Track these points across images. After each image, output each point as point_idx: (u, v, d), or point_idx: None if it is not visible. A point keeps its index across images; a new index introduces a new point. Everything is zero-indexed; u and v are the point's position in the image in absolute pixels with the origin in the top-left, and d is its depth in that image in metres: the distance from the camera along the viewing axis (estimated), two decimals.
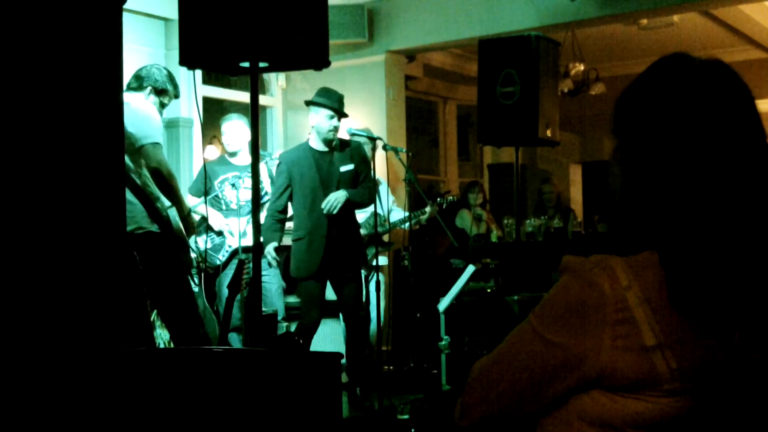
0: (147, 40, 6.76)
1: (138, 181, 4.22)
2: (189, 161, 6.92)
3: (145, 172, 4.29)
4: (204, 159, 5.45)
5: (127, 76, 4.48)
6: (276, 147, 7.68)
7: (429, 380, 5.80)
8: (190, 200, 5.90)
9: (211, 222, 5.71)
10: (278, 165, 5.38)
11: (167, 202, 4.37)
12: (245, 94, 7.38)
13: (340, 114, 5.32)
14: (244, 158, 5.82)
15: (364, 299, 6.08)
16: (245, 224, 5.58)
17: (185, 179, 6.67)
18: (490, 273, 6.10)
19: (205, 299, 5.55)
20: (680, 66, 1.24)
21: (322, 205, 5.22)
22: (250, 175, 5.23)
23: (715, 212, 1.16)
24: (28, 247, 2.17)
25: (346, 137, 5.93)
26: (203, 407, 1.83)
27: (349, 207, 5.30)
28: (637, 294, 1.15)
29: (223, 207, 5.80)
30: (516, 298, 4.98)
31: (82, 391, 1.97)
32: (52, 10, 2.22)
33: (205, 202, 5.47)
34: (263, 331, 5.06)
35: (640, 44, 8.75)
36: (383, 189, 5.97)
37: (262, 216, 5.73)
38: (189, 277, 4.70)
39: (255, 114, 3.12)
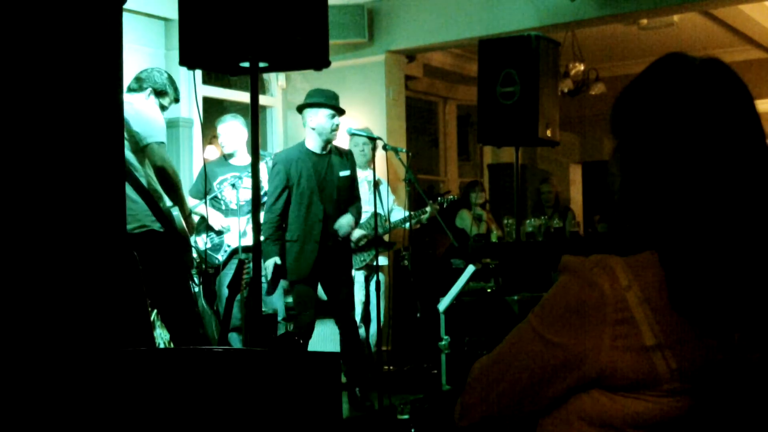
0: (147, 40, 6.76)
1: (142, 180, 4.23)
2: (189, 161, 6.92)
3: (150, 171, 4.30)
4: (204, 159, 5.46)
5: (128, 77, 4.48)
6: (276, 147, 7.68)
7: (429, 380, 5.80)
8: (190, 201, 5.90)
9: (211, 222, 5.71)
10: (274, 166, 5.28)
11: (169, 202, 4.38)
12: (245, 94, 7.38)
13: (340, 111, 5.32)
14: (243, 158, 5.82)
15: (364, 299, 6.09)
16: (245, 224, 5.58)
17: (185, 179, 6.66)
18: (490, 273, 6.09)
19: (203, 299, 5.55)
20: (679, 66, 1.24)
21: (335, 227, 5.22)
22: (249, 175, 5.26)
23: (715, 212, 1.16)
24: (28, 247, 2.17)
25: (346, 138, 5.94)
26: (203, 407, 1.83)
27: (336, 216, 5.31)
28: (636, 294, 1.15)
29: (223, 207, 5.80)
30: (516, 298, 4.98)
31: (82, 391, 1.97)
32: (52, 10, 2.22)
33: (205, 203, 5.47)
34: (263, 331, 5.05)
35: (640, 44, 8.75)
36: (383, 189, 5.97)
37: (262, 215, 5.73)
38: (190, 277, 4.70)
39: (255, 114, 3.12)
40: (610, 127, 1.28)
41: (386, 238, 6.38)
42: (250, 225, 5.34)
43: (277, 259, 5.13)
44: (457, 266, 6.14)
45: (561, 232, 6.43)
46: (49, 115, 2.22)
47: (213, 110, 7.24)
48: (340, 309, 5.35)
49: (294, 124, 7.80)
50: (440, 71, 9.41)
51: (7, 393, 2.07)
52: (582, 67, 8.66)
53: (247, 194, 5.44)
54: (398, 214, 6.34)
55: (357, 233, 5.96)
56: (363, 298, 6.10)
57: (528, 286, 5.28)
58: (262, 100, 7.68)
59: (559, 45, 5.40)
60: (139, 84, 4.50)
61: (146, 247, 4.15)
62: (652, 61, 1.28)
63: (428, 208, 6.12)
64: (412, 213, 5.98)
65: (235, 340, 5.48)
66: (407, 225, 6.08)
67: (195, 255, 5.54)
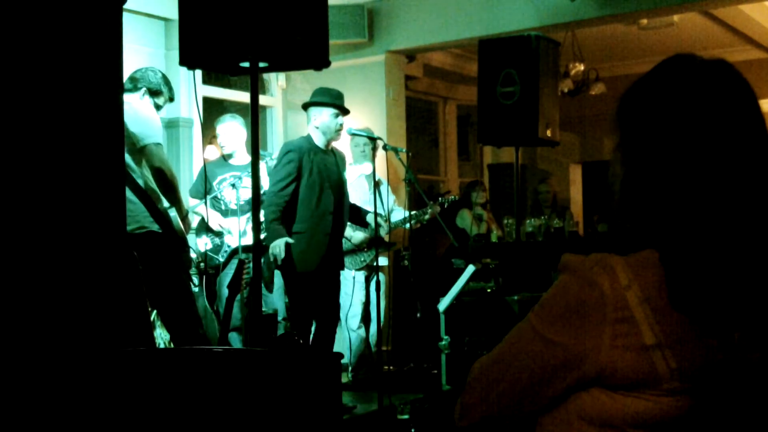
0: (147, 40, 6.76)
1: (140, 181, 4.23)
2: (189, 161, 6.92)
3: (146, 172, 4.29)
4: (204, 159, 5.45)
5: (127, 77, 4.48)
6: (276, 147, 7.67)
7: (429, 380, 5.80)
8: (190, 201, 5.90)
9: (210, 223, 5.71)
10: (287, 153, 5.14)
11: (166, 203, 4.38)
12: (245, 94, 7.37)
13: (344, 111, 5.31)
14: (242, 158, 5.82)
15: (364, 299, 6.09)
16: (245, 223, 5.57)
17: (185, 179, 6.67)
18: (490, 273, 6.09)
19: (206, 299, 5.55)
20: (685, 66, 1.24)
21: (347, 235, 5.17)
22: (249, 174, 5.26)
23: (717, 211, 1.16)
24: (29, 247, 2.17)
25: (346, 137, 5.93)
26: (203, 407, 1.83)
27: (343, 211, 5.30)
28: (636, 293, 1.15)
29: (222, 207, 5.80)
30: (516, 298, 4.98)
31: (82, 391, 1.97)
32: (53, 10, 2.22)
33: (205, 203, 5.47)
34: (263, 331, 5.05)
35: (640, 44, 8.75)
36: (384, 189, 5.97)
37: (262, 215, 5.73)
38: (188, 277, 4.70)
39: (255, 114, 3.12)
40: (614, 125, 1.28)
41: (386, 238, 6.38)
42: (250, 224, 5.34)
43: (288, 239, 5.00)
44: (459, 266, 6.13)
45: (561, 232, 6.43)
46: (50, 116, 2.22)
47: (213, 110, 7.24)
48: (326, 304, 5.28)
49: (294, 124, 7.80)
50: (440, 71, 9.41)
51: (7, 393, 2.07)
52: (582, 67, 8.65)
53: (247, 194, 5.44)
54: (398, 214, 6.34)
55: (359, 236, 5.96)
56: (363, 298, 6.10)
57: (528, 286, 5.28)
58: (262, 100, 7.67)
59: (559, 45, 5.40)
60: (133, 84, 4.48)
61: (144, 248, 4.15)
62: (652, 61, 1.28)
63: (428, 209, 6.12)
64: (412, 213, 5.98)
65: (235, 340, 5.48)
66: (407, 225, 6.08)
67: (194, 255, 5.54)
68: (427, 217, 6.18)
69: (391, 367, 6.45)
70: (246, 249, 5.35)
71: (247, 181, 5.43)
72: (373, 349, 6.03)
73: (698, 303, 1.14)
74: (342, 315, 5.72)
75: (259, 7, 2.83)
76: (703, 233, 1.16)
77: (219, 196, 5.76)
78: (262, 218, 5.53)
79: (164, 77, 4.60)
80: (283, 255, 4.96)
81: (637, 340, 1.15)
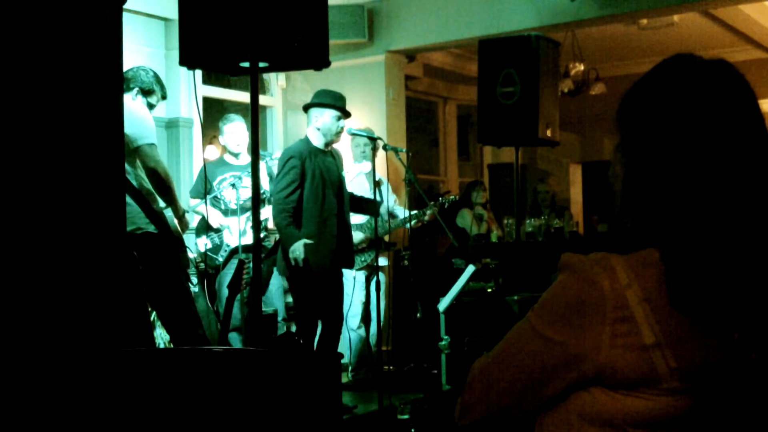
0: (147, 40, 6.76)
1: (134, 182, 4.22)
2: (189, 161, 6.92)
3: (141, 173, 4.29)
4: (204, 159, 5.45)
5: None
6: (276, 147, 7.68)
7: (429, 380, 5.80)
8: (191, 202, 5.90)
9: (210, 221, 5.71)
10: (288, 159, 5.13)
11: (162, 203, 4.37)
12: (245, 94, 7.37)
13: (346, 114, 5.31)
14: (244, 158, 5.83)
15: (364, 299, 6.09)
16: (245, 223, 5.57)
17: (185, 179, 6.67)
18: (490, 273, 6.09)
19: (207, 299, 5.55)
20: (684, 66, 1.24)
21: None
22: (249, 174, 5.26)
23: (717, 211, 1.16)
24: (29, 248, 2.17)
25: (346, 137, 5.93)
26: (203, 407, 1.83)
27: (345, 211, 5.30)
28: (636, 293, 1.15)
29: (222, 207, 5.80)
30: (516, 298, 4.98)
31: (82, 391, 1.97)
32: (53, 10, 2.22)
33: (205, 203, 5.47)
34: (263, 331, 5.05)
35: (640, 44, 8.75)
36: (385, 189, 5.97)
37: (263, 214, 5.73)
38: (187, 277, 4.70)
39: (255, 114, 3.12)
40: (614, 124, 1.28)
41: (386, 238, 6.38)
42: (250, 224, 5.34)
43: (305, 240, 4.99)
44: (459, 266, 6.14)
45: (561, 232, 6.43)
46: (50, 115, 2.22)
47: (213, 110, 7.24)
48: (330, 305, 5.29)
49: (294, 124, 7.80)
50: (440, 71, 9.41)
51: (7, 393, 2.07)
52: (582, 67, 8.66)
53: (247, 193, 5.44)
54: (399, 214, 6.34)
55: (358, 236, 5.96)
56: (363, 298, 6.10)
57: (528, 286, 5.28)
58: (262, 100, 7.67)
59: (559, 45, 5.40)
60: (125, 84, 4.46)
61: (141, 249, 4.15)
62: (652, 61, 1.29)
63: (428, 209, 6.13)
64: (412, 213, 5.98)
65: (235, 340, 5.48)
66: (408, 225, 6.08)
67: (193, 255, 5.54)
68: (426, 218, 6.19)
69: (391, 367, 6.45)
70: (246, 249, 5.35)
71: (247, 181, 5.43)
72: (373, 349, 6.03)
73: (698, 302, 1.14)
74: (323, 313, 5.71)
75: (259, 7, 2.83)
76: (703, 233, 1.16)
77: (219, 196, 5.76)
78: (271, 224, 5.54)
79: (156, 76, 4.59)
80: (303, 257, 4.97)
81: (636, 339, 1.15)
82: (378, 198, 5.33)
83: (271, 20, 2.85)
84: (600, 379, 1.17)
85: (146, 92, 4.51)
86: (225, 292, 4.84)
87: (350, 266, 5.48)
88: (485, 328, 5.50)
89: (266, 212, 5.98)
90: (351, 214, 5.57)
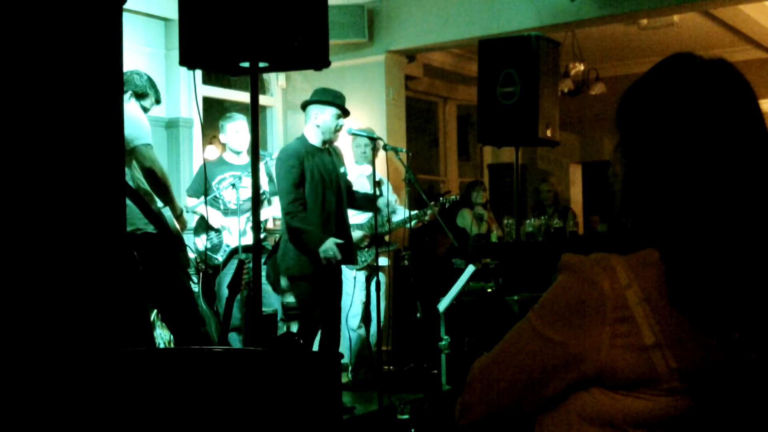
0: (147, 40, 6.76)
1: (131, 183, 4.23)
2: (189, 161, 6.92)
3: (138, 174, 4.30)
4: (204, 159, 5.45)
5: None
6: (276, 147, 7.68)
7: (429, 380, 5.80)
8: (189, 201, 5.90)
9: (211, 222, 5.71)
10: (287, 159, 5.13)
11: (160, 203, 4.38)
12: (245, 94, 7.38)
13: (346, 113, 5.31)
14: (244, 157, 5.83)
15: (364, 299, 6.09)
16: (245, 223, 5.57)
17: (185, 179, 6.67)
18: (490, 273, 6.09)
19: (203, 299, 5.55)
20: (684, 65, 1.24)
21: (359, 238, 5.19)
22: (248, 174, 5.26)
23: (717, 211, 1.16)
24: (29, 248, 2.17)
25: (347, 138, 5.93)
26: (203, 407, 1.83)
27: (344, 209, 5.31)
28: (636, 293, 1.15)
29: (221, 207, 5.80)
30: (516, 298, 4.98)
31: (82, 391, 1.97)
32: (53, 10, 2.22)
33: (205, 203, 5.47)
34: (263, 331, 5.04)
35: (640, 44, 8.75)
36: (386, 189, 5.97)
37: (263, 214, 5.73)
38: (188, 276, 4.70)
39: (255, 114, 3.12)
40: (614, 124, 1.28)
41: (387, 238, 6.38)
42: (250, 224, 5.34)
43: (335, 239, 5.00)
44: (459, 266, 6.14)
45: (561, 232, 6.43)
46: (50, 116, 2.22)
47: (213, 110, 7.24)
48: (329, 305, 5.28)
49: (294, 124, 7.80)
50: (440, 71, 9.41)
51: (7, 393, 2.07)
52: (582, 67, 8.66)
53: (247, 194, 5.43)
54: (400, 214, 6.34)
55: (357, 235, 5.96)
56: (363, 298, 6.10)
57: (528, 286, 5.28)
58: (262, 100, 7.68)
59: (559, 45, 5.40)
60: None
61: (141, 249, 4.15)
62: (652, 61, 1.28)
63: (429, 210, 6.12)
64: (413, 213, 5.98)
65: (235, 340, 5.48)
66: (408, 225, 6.08)
67: (193, 255, 5.54)
68: (427, 218, 6.18)
69: (391, 367, 6.45)
70: (246, 249, 5.35)
71: (247, 181, 5.43)
72: (373, 349, 6.03)
73: (698, 302, 1.14)
74: (342, 315, 5.72)
75: (259, 7, 2.83)
76: (703, 233, 1.16)
77: (218, 196, 5.76)
78: (271, 224, 5.54)
79: (150, 80, 4.60)
80: (339, 255, 4.98)
81: (636, 339, 1.15)
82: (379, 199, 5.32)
83: (271, 20, 2.85)
84: (600, 379, 1.17)
85: (140, 95, 4.52)
86: (225, 292, 4.84)
87: (352, 262, 5.48)
88: (485, 328, 5.50)
89: (266, 212, 5.98)
90: (351, 213, 5.57)
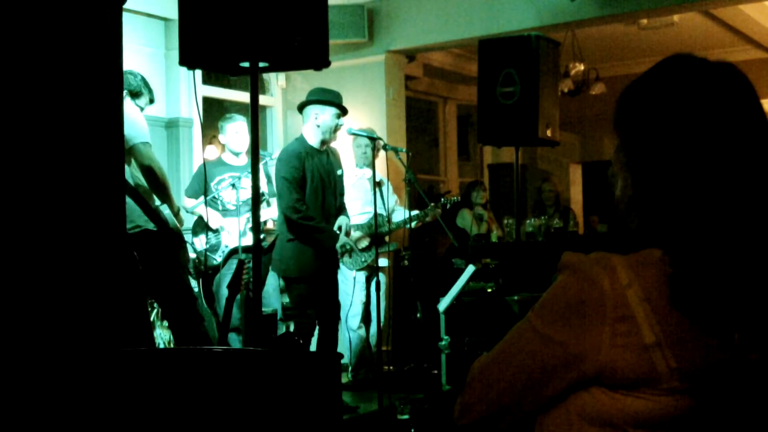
0: (147, 40, 6.76)
1: (130, 181, 4.24)
2: (189, 161, 6.92)
3: (136, 172, 4.31)
4: (204, 159, 5.45)
5: None
6: (276, 147, 7.68)
7: (429, 380, 5.80)
8: (188, 201, 5.90)
9: (210, 222, 5.70)
10: (287, 160, 5.14)
11: (158, 201, 4.40)
12: (245, 94, 7.38)
13: (345, 112, 5.32)
14: (243, 158, 5.82)
15: (364, 299, 6.09)
16: (245, 224, 5.57)
17: (185, 179, 6.67)
18: (490, 273, 6.09)
19: (203, 300, 5.55)
20: (684, 65, 1.24)
21: (339, 223, 5.23)
22: (248, 174, 5.26)
23: (720, 212, 1.16)
24: (29, 247, 2.17)
25: (347, 138, 5.93)
26: (203, 407, 1.83)
27: (342, 210, 5.33)
28: (637, 292, 1.15)
29: (220, 207, 5.80)
30: (516, 298, 4.98)
31: (82, 391, 1.97)
32: (53, 10, 2.22)
33: (205, 203, 5.47)
34: (263, 331, 5.04)
35: (640, 44, 8.75)
36: (386, 189, 5.97)
37: (263, 215, 5.72)
38: (188, 274, 4.71)
39: (255, 114, 3.12)
40: (613, 125, 1.28)
41: (387, 238, 6.38)
42: (250, 225, 5.34)
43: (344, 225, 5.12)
44: (459, 266, 6.14)
45: (561, 232, 6.43)
46: (50, 115, 2.22)
47: (213, 110, 7.24)
48: (328, 305, 5.29)
49: (294, 124, 7.80)
50: (440, 71, 9.41)
51: (7, 393, 2.07)
52: (582, 67, 8.66)
53: (246, 194, 5.43)
54: (400, 214, 6.34)
55: (356, 235, 5.96)
56: (363, 299, 6.10)
57: (528, 286, 5.28)
58: (262, 100, 7.67)
59: (559, 45, 5.40)
60: None
61: (141, 247, 4.17)
62: (652, 61, 1.28)
63: (430, 211, 6.12)
64: (413, 214, 5.98)
65: (235, 340, 5.48)
66: (408, 225, 6.08)
67: (193, 255, 5.54)
68: (428, 219, 6.18)
69: (391, 367, 6.44)
70: (245, 249, 5.35)
71: (246, 182, 5.43)
72: (373, 349, 6.03)
73: (699, 302, 1.14)
74: (342, 315, 5.72)
75: (259, 7, 2.83)
76: (704, 233, 1.16)
77: (217, 196, 5.75)
78: (270, 225, 5.54)
79: (144, 80, 4.63)
80: (362, 244, 5.06)
81: (637, 339, 1.14)
82: (379, 199, 5.32)
83: (271, 20, 2.85)
84: (600, 379, 1.17)
85: (135, 95, 4.55)
86: (224, 292, 4.84)
87: (336, 266, 5.50)
88: (485, 328, 5.50)
89: (265, 214, 5.97)
90: (351, 214, 5.57)
